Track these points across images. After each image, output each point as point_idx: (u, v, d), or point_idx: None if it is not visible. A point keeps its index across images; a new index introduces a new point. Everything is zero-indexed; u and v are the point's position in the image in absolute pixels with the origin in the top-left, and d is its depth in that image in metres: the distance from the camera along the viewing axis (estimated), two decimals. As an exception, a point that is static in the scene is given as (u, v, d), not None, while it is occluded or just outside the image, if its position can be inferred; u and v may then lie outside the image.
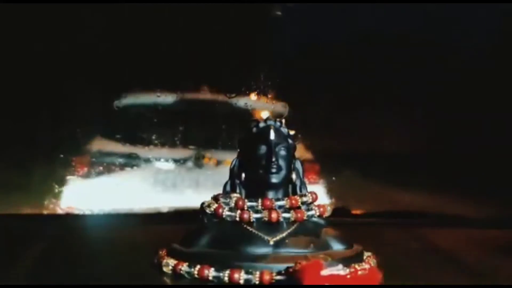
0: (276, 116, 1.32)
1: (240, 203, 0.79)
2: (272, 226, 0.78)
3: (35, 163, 1.31)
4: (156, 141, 1.35)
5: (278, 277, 0.71)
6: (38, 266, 0.86)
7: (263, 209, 0.79)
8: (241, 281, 0.72)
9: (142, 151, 1.36)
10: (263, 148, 0.80)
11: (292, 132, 0.84)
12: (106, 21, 1.31)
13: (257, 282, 0.71)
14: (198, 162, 1.36)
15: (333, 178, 1.38)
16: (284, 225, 0.78)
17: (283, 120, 0.84)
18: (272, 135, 0.80)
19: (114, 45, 1.32)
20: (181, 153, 1.36)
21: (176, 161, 1.36)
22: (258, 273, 0.72)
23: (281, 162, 0.80)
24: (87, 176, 1.34)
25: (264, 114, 1.35)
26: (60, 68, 1.30)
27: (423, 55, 1.35)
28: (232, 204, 0.80)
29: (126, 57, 1.32)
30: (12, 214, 1.28)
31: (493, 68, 1.34)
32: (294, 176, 0.82)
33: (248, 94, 1.36)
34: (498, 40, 1.34)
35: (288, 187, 0.82)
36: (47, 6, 1.25)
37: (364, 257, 0.80)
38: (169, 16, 1.31)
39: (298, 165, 0.84)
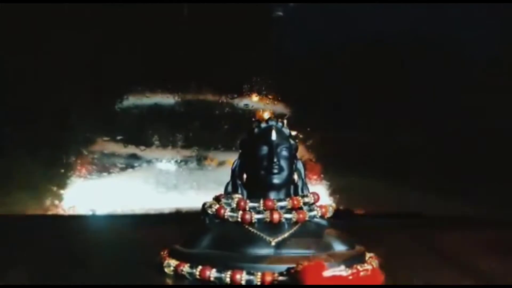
0: (277, 116, 1.32)
1: (242, 204, 0.79)
2: (273, 227, 0.78)
3: (38, 164, 1.31)
4: (157, 142, 1.36)
5: (280, 278, 0.71)
6: (41, 266, 0.86)
7: (265, 210, 0.79)
8: (243, 282, 0.72)
9: (144, 152, 1.36)
10: (264, 149, 0.80)
11: (293, 133, 0.84)
12: (107, 21, 1.31)
13: (258, 283, 0.71)
14: (200, 163, 1.36)
15: (335, 178, 1.38)
16: (286, 226, 0.78)
17: (285, 121, 0.84)
18: (273, 136, 0.80)
19: (116, 45, 1.32)
20: (182, 154, 1.36)
21: (177, 162, 1.36)
22: (259, 274, 0.71)
23: (283, 163, 0.80)
24: (89, 177, 1.34)
25: (266, 115, 1.35)
26: (62, 70, 1.30)
27: (424, 55, 1.35)
28: (234, 205, 0.80)
29: (127, 58, 1.32)
30: (15, 214, 1.29)
31: (495, 68, 1.34)
32: (295, 176, 0.82)
33: (250, 95, 1.36)
34: (501, 41, 1.34)
35: (290, 188, 0.82)
36: (47, 7, 1.25)
37: (366, 258, 0.80)
38: (171, 17, 1.32)
39: (299, 165, 0.84)
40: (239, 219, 0.78)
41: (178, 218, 1.31)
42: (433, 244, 1.07)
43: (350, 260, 0.74)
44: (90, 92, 1.33)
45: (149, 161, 1.36)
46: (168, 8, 1.30)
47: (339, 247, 0.78)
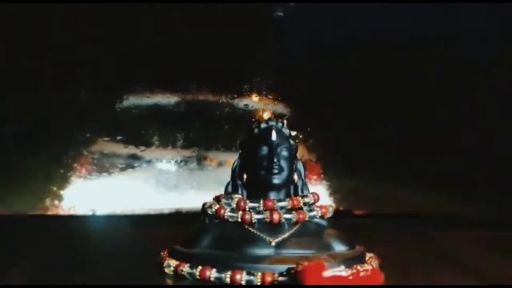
0: (277, 116, 1.32)
1: (242, 204, 0.79)
2: (273, 227, 0.78)
3: (38, 165, 1.31)
4: (157, 143, 1.36)
5: (280, 278, 0.71)
6: (40, 267, 0.86)
7: (265, 210, 0.79)
8: (243, 282, 0.72)
9: (144, 153, 1.36)
10: (264, 149, 0.80)
11: (293, 133, 0.84)
12: (107, 21, 1.31)
13: (258, 283, 0.71)
14: (200, 163, 1.36)
15: (335, 179, 1.38)
16: (286, 226, 0.78)
17: (285, 121, 0.84)
18: (273, 136, 0.80)
19: (116, 46, 1.32)
20: (182, 154, 1.36)
21: (177, 162, 1.36)
22: (259, 274, 0.71)
23: (283, 163, 0.80)
24: (89, 177, 1.34)
25: (266, 115, 1.35)
26: (62, 69, 1.30)
27: (424, 54, 1.35)
28: (234, 205, 0.80)
29: (128, 58, 1.32)
30: (15, 215, 1.29)
31: (495, 68, 1.34)
32: (295, 177, 0.82)
33: (250, 95, 1.36)
34: (500, 40, 1.34)
35: (290, 188, 0.82)
36: (47, 6, 1.25)
37: (366, 258, 0.80)
38: (171, 17, 1.32)
39: (299, 166, 0.84)
40: (239, 219, 0.78)
41: (178, 218, 1.31)
42: (433, 244, 1.07)
43: (350, 260, 0.74)
44: (90, 92, 1.33)
45: (149, 161, 1.36)
46: (169, 7, 1.30)
47: (339, 247, 0.78)
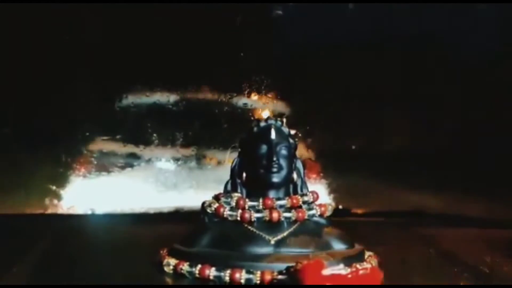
0: (277, 115, 1.32)
1: (241, 202, 0.79)
2: (273, 226, 0.78)
3: (37, 164, 1.31)
4: (157, 141, 1.36)
5: (279, 277, 0.71)
6: (40, 266, 0.86)
7: (264, 209, 0.79)
8: (242, 281, 0.72)
9: (143, 152, 1.36)
10: (264, 148, 0.80)
11: (293, 132, 0.84)
12: (107, 21, 1.31)
13: (258, 282, 0.71)
14: (199, 162, 1.36)
15: (334, 177, 1.38)
16: (285, 224, 0.78)
17: (284, 120, 0.84)
18: (273, 135, 0.80)
19: (115, 45, 1.32)
20: (182, 153, 1.36)
21: (177, 161, 1.36)
22: (259, 272, 0.72)
23: (282, 162, 0.80)
24: (88, 176, 1.34)
25: (265, 114, 1.35)
26: (61, 68, 1.30)
27: (424, 54, 1.35)
28: (233, 204, 0.80)
29: (127, 57, 1.32)
30: (14, 214, 1.29)
31: (494, 68, 1.34)
32: (295, 175, 0.82)
33: (249, 94, 1.36)
34: (499, 40, 1.34)
35: (289, 187, 0.82)
36: (47, 6, 1.25)
37: (365, 257, 0.80)
38: (170, 16, 1.31)
39: (299, 164, 0.84)
40: (239, 218, 0.78)
41: (178, 217, 1.31)
42: (432, 243, 1.07)
43: (349, 259, 0.74)
44: (90, 92, 1.33)
45: (148, 160, 1.36)
46: (168, 7, 1.30)
47: (338, 246, 0.78)
